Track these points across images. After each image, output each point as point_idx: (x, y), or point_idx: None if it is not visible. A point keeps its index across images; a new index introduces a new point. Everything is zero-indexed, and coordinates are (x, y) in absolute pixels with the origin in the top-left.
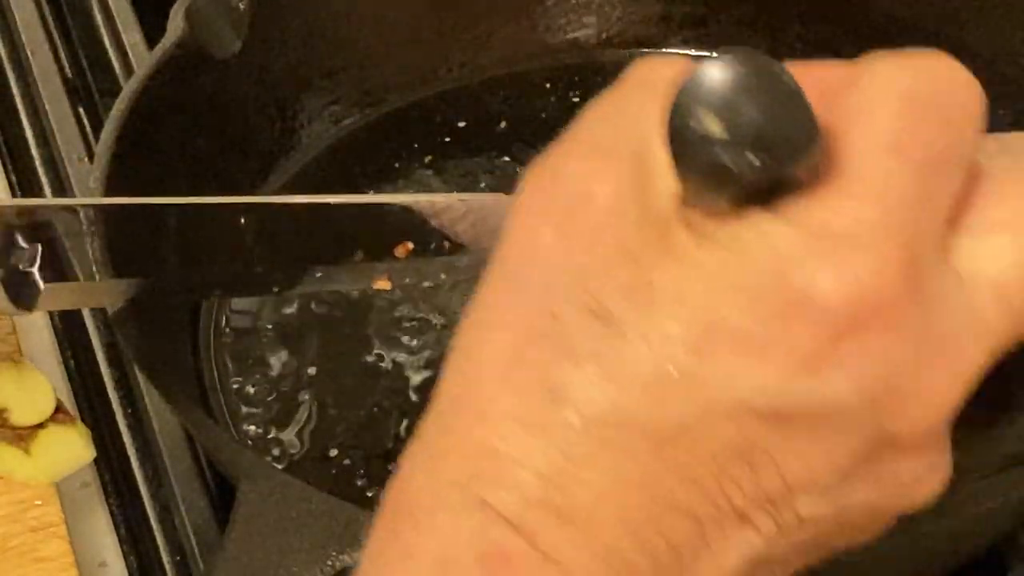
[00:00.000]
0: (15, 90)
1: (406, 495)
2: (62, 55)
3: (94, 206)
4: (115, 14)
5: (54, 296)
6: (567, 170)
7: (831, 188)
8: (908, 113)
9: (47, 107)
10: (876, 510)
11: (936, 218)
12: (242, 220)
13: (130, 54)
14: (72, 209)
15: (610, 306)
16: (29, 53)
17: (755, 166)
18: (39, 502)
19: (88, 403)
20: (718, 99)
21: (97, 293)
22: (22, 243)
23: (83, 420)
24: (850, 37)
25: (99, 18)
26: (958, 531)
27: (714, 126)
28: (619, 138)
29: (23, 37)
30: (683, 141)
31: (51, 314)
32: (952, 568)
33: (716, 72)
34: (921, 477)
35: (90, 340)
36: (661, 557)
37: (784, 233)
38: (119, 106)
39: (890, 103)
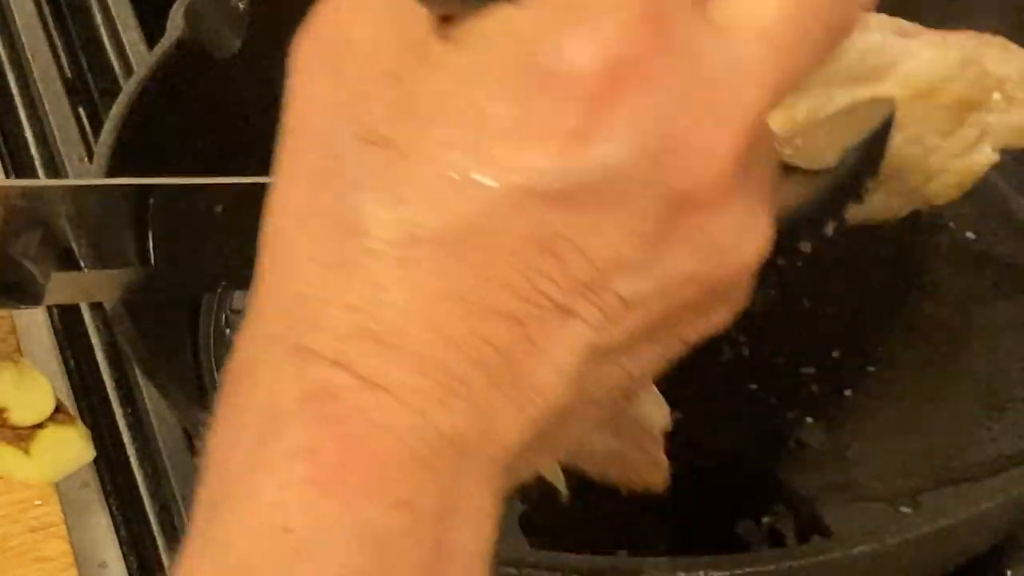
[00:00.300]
0: (15, 90)
1: (235, 364)
2: (62, 55)
3: (86, 189)
4: (115, 14)
5: (60, 288)
6: (327, 23)
7: None
8: None
9: (47, 107)
10: (704, 280)
11: None
12: (242, 208)
13: (130, 54)
14: (67, 197)
15: (383, 130)
16: (29, 53)
17: None
18: (39, 502)
19: (88, 403)
20: None
21: (102, 285)
22: (23, 233)
23: (83, 420)
24: None
25: (99, 18)
26: (958, 531)
27: None
28: None
29: (23, 37)
30: None
31: (51, 314)
32: (952, 568)
33: None
34: (737, 236)
35: (90, 340)
36: (491, 364)
37: (525, 16)
38: (119, 106)
39: None
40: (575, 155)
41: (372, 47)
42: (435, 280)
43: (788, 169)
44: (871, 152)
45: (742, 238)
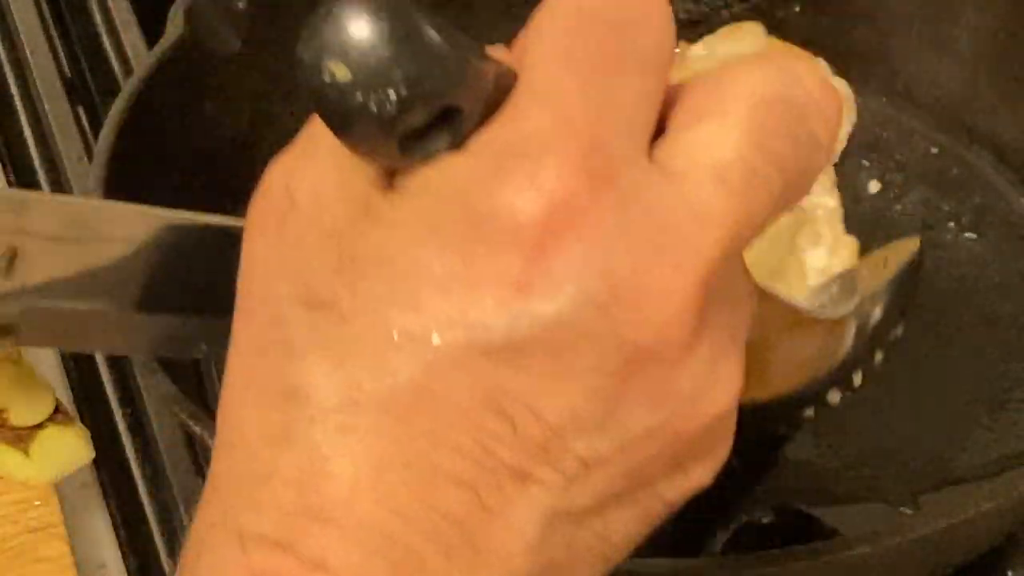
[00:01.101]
0: (14, 90)
1: (185, 549)
2: (61, 55)
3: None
4: (114, 14)
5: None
6: (274, 179)
7: (507, 109)
8: (576, 25)
9: (46, 107)
10: (669, 434)
11: (623, 118)
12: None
13: (129, 54)
14: None
15: (323, 292)
16: (29, 53)
17: (395, 100)
18: (38, 502)
19: (88, 403)
20: (338, 46)
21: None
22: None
23: (82, 420)
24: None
25: (98, 18)
26: (958, 531)
27: (339, 71)
28: (317, 134)
29: (23, 37)
30: (318, 96)
31: None
32: (952, 568)
33: (333, 23)
34: (702, 386)
35: None
36: (444, 534)
37: (463, 163)
38: (118, 106)
39: (558, 20)
40: (517, 307)
41: (314, 205)
42: (379, 447)
43: (810, 320)
44: (899, 294)
45: (708, 388)
